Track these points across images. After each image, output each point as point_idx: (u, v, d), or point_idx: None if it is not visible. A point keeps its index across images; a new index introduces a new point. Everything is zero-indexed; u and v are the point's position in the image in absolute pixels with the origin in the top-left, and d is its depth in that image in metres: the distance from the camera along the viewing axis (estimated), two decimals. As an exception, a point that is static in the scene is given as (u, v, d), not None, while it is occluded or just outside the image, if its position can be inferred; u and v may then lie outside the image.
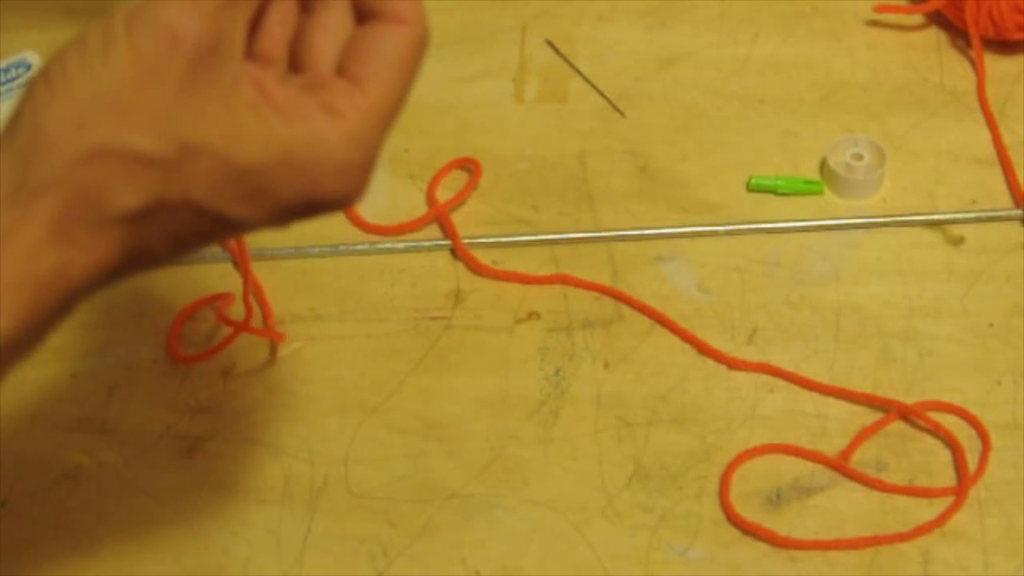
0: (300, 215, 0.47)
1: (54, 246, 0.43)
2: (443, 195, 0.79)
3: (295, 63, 0.48)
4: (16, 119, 0.44)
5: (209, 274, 0.76)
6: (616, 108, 0.83)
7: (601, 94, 0.83)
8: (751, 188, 0.78)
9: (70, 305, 0.45)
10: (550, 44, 0.86)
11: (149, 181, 0.44)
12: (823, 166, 0.79)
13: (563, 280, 0.75)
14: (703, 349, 0.72)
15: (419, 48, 0.47)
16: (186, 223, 0.45)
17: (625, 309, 0.74)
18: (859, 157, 0.78)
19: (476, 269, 0.75)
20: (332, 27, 0.48)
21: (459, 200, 0.78)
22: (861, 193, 0.78)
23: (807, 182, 0.78)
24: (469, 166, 0.80)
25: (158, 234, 0.45)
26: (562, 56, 0.85)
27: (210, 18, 0.44)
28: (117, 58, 0.43)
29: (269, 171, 0.45)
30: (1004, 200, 0.78)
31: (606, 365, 0.72)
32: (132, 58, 0.43)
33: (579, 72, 0.85)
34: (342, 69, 0.47)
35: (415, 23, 0.47)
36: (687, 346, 0.73)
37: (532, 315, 0.74)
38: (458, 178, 0.80)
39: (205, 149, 0.44)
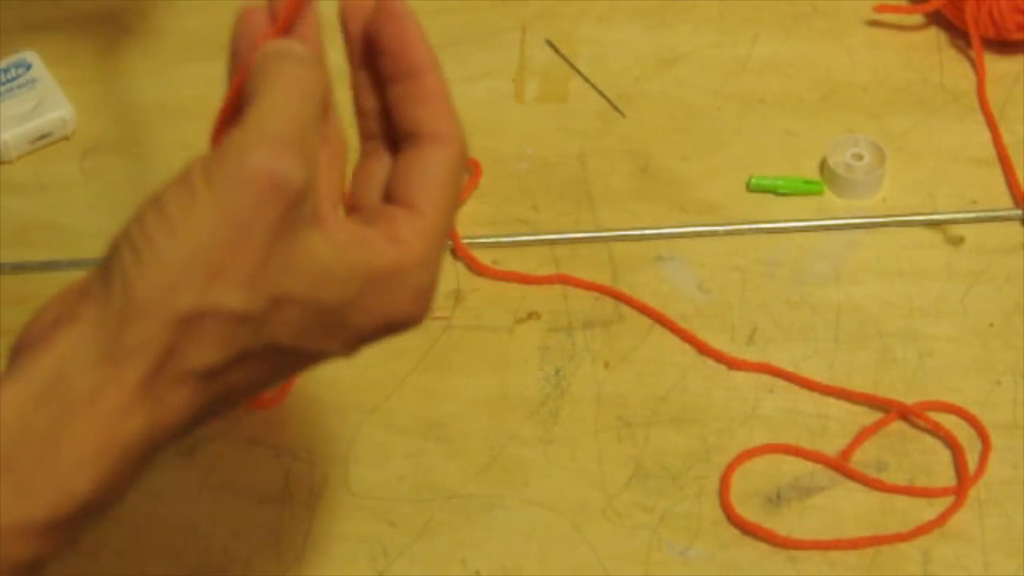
0: (375, 340, 0.47)
1: (141, 407, 0.42)
2: (443, 195, 0.79)
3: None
4: (104, 279, 0.43)
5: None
6: (616, 108, 0.83)
7: (601, 94, 0.83)
8: (751, 188, 0.79)
9: (151, 461, 0.44)
10: (550, 44, 0.86)
11: (238, 335, 0.43)
12: (823, 166, 0.79)
13: (563, 280, 0.75)
14: (703, 349, 0.72)
15: (461, 161, 0.48)
16: (269, 364, 0.45)
17: (625, 309, 0.74)
18: (859, 157, 0.78)
19: (476, 269, 0.75)
20: (374, 164, 0.49)
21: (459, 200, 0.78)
22: (861, 193, 0.78)
23: (807, 182, 0.78)
24: (469, 166, 0.80)
25: (240, 380, 0.45)
26: (562, 56, 0.85)
27: (302, 166, 0.43)
28: (202, 216, 0.42)
29: (351, 305, 0.45)
30: (1004, 200, 0.78)
31: (606, 365, 0.72)
32: (219, 213, 0.42)
33: (579, 72, 0.85)
34: (393, 197, 0.48)
35: (455, 139, 0.48)
36: (687, 346, 0.73)
37: (532, 315, 0.74)
38: (458, 178, 0.80)
39: (293, 297, 0.44)
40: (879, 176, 0.78)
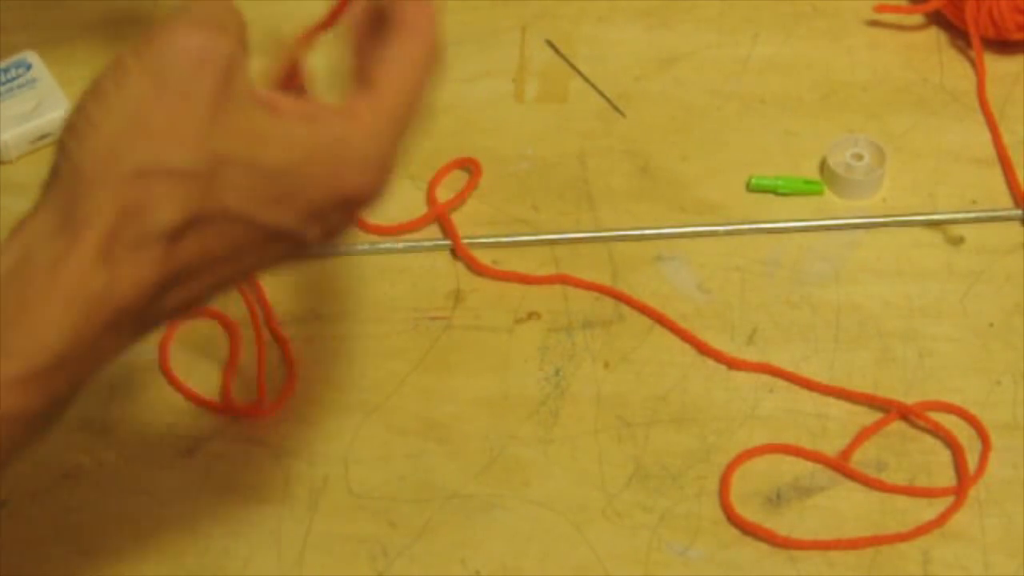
0: (332, 217, 0.49)
1: (101, 268, 0.45)
2: (443, 195, 0.79)
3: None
4: (54, 172, 0.47)
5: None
6: (616, 108, 0.83)
7: (601, 94, 0.83)
8: (751, 188, 0.78)
9: (119, 328, 0.47)
10: (550, 44, 0.86)
11: (186, 195, 0.46)
12: (823, 166, 0.79)
13: (563, 280, 0.75)
14: (703, 349, 0.72)
15: (429, 54, 0.50)
16: (224, 236, 0.47)
17: (625, 309, 0.74)
18: (859, 157, 0.78)
19: (476, 269, 0.75)
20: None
21: (459, 200, 0.78)
22: (861, 193, 0.78)
23: (807, 182, 0.78)
24: (469, 166, 0.80)
25: (197, 253, 0.47)
26: (562, 56, 0.85)
27: (226, 41, 0.47)
28: (132, 84, 0.46)
29: (295, 170, 0.47)
30: (1004, 200, 0.78)
31: (606, 365, 0.72)
32: (150, 81, 0.46)
33: (579, 72, 0.85)
34: (355, 78, 0.50)
35: (423, 29, 0.50)
36: (687, 346, 0.73)
37: (532, 315, 0.74)
38: (458, 178, 0.80)
39: (234, 158, 0.46)
40: (879, 176, 0.78)
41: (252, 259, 0.49)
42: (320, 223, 0.49)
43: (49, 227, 0.46)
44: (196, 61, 0.46)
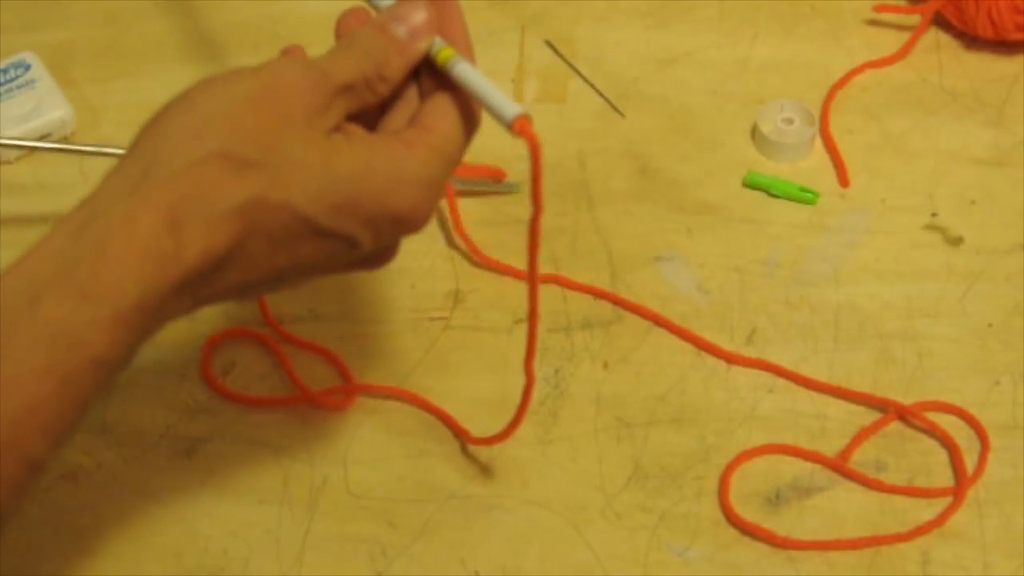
0: (382, 230, 0.54)
1: (169, 232, 0.49)
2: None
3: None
4: (134, 143, 0.52)
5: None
6: (615, 108, 0.83)
7: (600, 94, 0.84)
8: (746, 184, 0.79)
9: (181, 294, 0.50)
10: (549, 44, 0.86)
11: (252, 181, 0.50)
12: (755, 132, 0.80)
13: (556, 280, 0.75)
14: (702, 349, 0.72)
15: (475, 111, 0.57)
16: (284, 227, 0.52)
17: (624, 309, 0.74)
18: (789, 121, 0.79)
19: (479, 261, 0.75)
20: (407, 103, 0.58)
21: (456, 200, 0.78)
22: (793, 156, 0.79)
23: (802, 189, 0.78)
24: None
25: (260, 233, 0.51)
26: (561, 56, 0.85)
27: (331, 87, 0.53)
28: (240, 85, 0.52)
29: (355, 182, 0.52)
30: (1004, 200, 0.78)
31: (605, 365, 0.72)
32: (258, 90, 0.52)
33: (578, 72, 0.85)
34: (413, 122, 0.56)
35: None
36: (686, 346, 0.73)
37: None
38: (458, 178, 0.80)
39: (304, 162, 0.52)
40: (811, 137, 0.79)
41: (307, 253, 0.53)
42: (371, 233, 0.54)
43: (123, 190, 0.50)
44: (301, 89, 0.52)
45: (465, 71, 0.56)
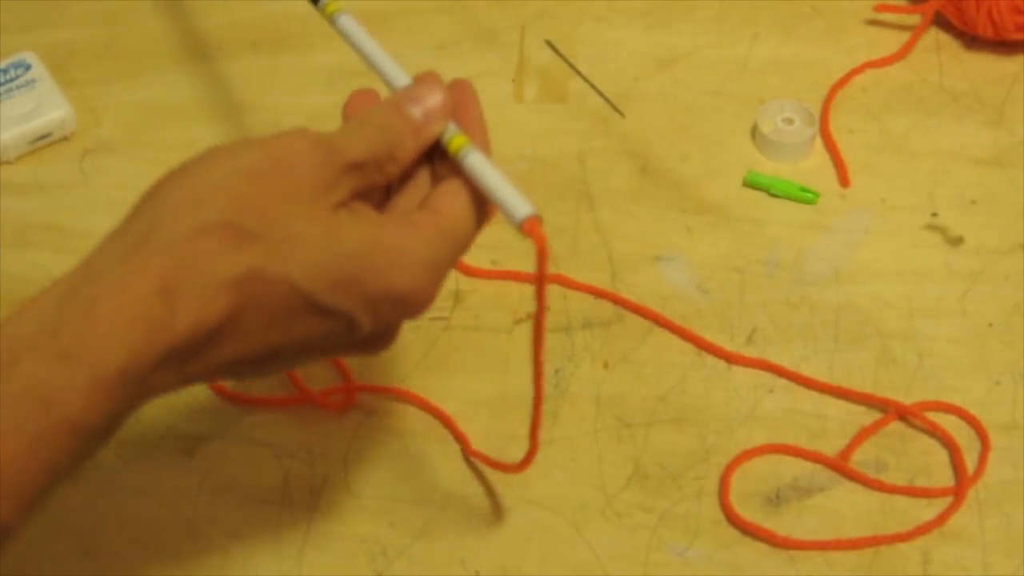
0: (382, 311, 0.52)
1: (161, 300, 0.48)
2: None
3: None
4: (136, 208, 0.51)
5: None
6: (616, 108, 0.83)
7: (600, 94, 0.84)
8: (746, 183, 0.79)
9: (169, 366, 0.49)
10: (549, 44, 0.86)
11: (251, 253, 0.49)
12: (755, 132, 0.80)
13: (556, 280, 0.75)
14: (703, 349, 0.72)
15: (484, 202, 0.54)
16: (281, 302, 0.50)
17: (624, 309, 0.74)
18: (790, 121, 0.79)
19: (471, 272, 0.75)
20: (418, 187, 0.56)
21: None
22: (794, 156, 0.79)
23: (802, 189, 0.78)
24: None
25: (255, 307, 0.50)
26: (562, 56, 0.85)
27: (340, 164, 0.52)
28: (247, 157, 0.51)
29: (357, 260, 0.51)
30: (1004, 200, 0.78)
31: (605, 365, 0.72)
32: (265, 163, 0.50)
33: (579, 72, 0.85)
34: (423, 204, 0.54)
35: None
36: (687, 346, 0.73)
37: (531, 315, 0.74)
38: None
39: (306, 237, 0.50)
40: (811, 136, 0.79)
41: (303, 331, 0.51)
42: (371, 314, 0.52)
43: (118, 255, 0.49)
44: (308, 163, 0.51)
45: (476, 163, 0.54)
